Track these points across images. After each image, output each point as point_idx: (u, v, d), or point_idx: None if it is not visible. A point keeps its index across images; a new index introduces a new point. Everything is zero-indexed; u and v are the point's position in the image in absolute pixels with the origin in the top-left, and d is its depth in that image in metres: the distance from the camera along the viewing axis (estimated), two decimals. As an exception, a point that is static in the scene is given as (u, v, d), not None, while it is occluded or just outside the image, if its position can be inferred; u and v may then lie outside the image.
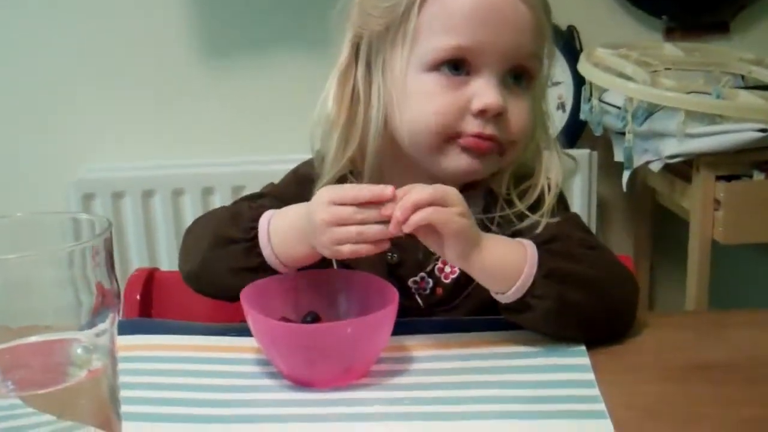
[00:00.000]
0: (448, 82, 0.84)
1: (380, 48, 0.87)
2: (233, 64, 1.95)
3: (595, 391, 0.72)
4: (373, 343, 0.76)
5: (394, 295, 0.76)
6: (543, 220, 0.87)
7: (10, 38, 1.94)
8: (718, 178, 1.61)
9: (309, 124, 0.91)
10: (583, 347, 0.81)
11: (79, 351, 0.57)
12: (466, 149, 0.85)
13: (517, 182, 0.91)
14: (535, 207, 0.88)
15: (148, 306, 1.10)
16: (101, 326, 0.57)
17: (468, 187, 0.89)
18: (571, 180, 1.85)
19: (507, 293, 0.79)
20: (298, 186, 0.94)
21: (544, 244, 0.82)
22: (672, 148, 1.61)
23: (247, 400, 0.74)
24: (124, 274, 1.46)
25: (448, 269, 0.91)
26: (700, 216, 1.63)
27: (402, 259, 0.91)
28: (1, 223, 0.59)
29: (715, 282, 1.67)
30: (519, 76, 0.86)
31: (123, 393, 0.59)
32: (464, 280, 0.83)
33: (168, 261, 1.90)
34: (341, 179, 0.90)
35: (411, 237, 0.77)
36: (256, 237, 0.84)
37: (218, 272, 0.85)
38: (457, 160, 0.86)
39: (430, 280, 0.91)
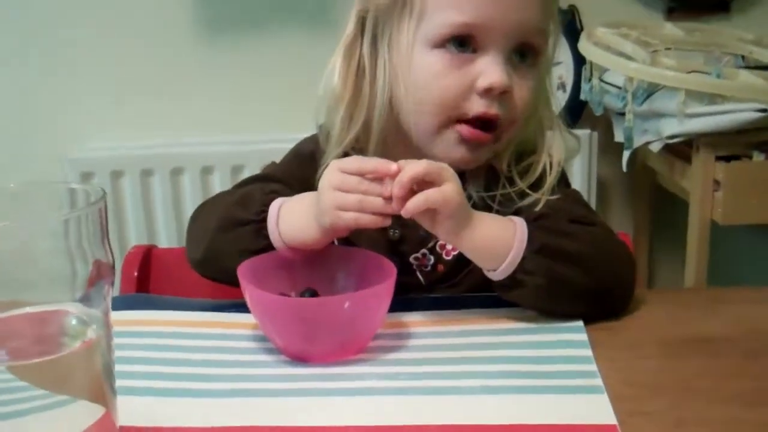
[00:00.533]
0: (453, 59, 0.83)
1: (387, 23, 0.87)
2: (233, 42, 1.95)
3: (593, 367, 0.72)
4: (371, 318, 0.76)
5: (392, 270, 0.76)
6: (543, 197, 0.86)
7: (11, 15, 1.93)
8: (718, 158, 1.61)
9: (316, 99, 0.91)
10: (581, 323, 0.80)
11: (73, 322, 0.57)
12: (463, 140, 0.84)
13: (518, 159, 0.90)
14: (536, 185, 0.88)
15: (145, 283, 1.10)
16: (96, 297, 0.57)
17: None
18: (572, 160, 1.85)
19: (498, 270, 0.79)
20: (301, 164, 0.94)
21: (536, 219, 0.82)
22: (672, 128, 1.61)
23: (242, 375, 0.74)
24: (122, 253, 1.46)
25: (449, 246, 0.91)
26: (700, 196, 1.63)
27: (403, 235, 0.90)
28: (-4, 193, 0.59)
29: (713, 262, 1.67)
30: (524, 53, 0.85)
31: (118, 367, 0.59)
32: (465, 257, 0.83)
33: (167, 240, 1.90)
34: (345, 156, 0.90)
35: None
36: (265, 220, 0.83)
37: (226, 254, 0.83)
38: (453, 148, 0.85)
39: (432, 257, 0.91)
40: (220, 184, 1.88)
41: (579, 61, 1.84)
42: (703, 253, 1.66)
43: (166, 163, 1.89)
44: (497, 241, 0.79)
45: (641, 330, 0.81)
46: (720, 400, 0.67)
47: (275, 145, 1.77)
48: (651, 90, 1.63)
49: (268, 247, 0.83)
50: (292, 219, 0.83)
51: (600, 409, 0.65)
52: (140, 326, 0.84)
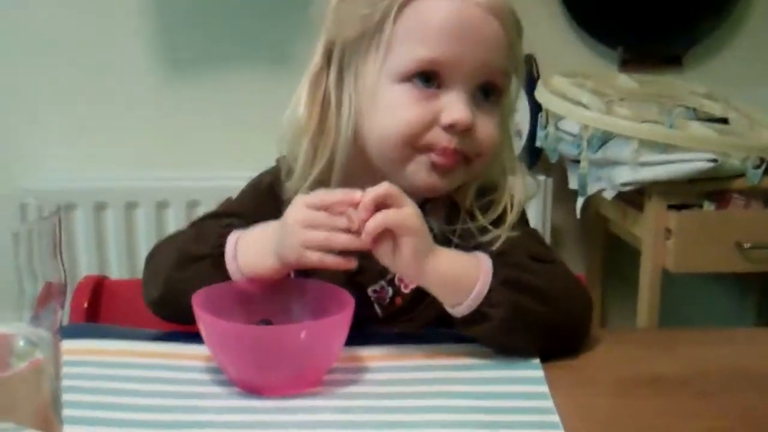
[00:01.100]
0: (418, 94, 0.84)
1: (353, 55, 0.87)
2: (191, 78, 1.94)
3: (549, 403, 0.72)
4: (327, 349, 0.75)
5: (349, 301, 0.75)
6: (503, 233, 0.86)
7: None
8: (670, 207, 1.64)
9: (279, 130, 0.90)
10: (538, 361, 0.80)
11: (21, 343, 0.55)
12: (432, 165, 0.85)
13: (479, 196, 0.91)
14: (497, 222, 0.88)
15: (95, 315, 1.07)
16: (46, 318, 0.55)
17: (430, 197, 0.89)
18: (529, 202, 1.86)
19: (463, 304, 0.79)
20: (259, 197, 0.93)
21: (499, 255, 0.82)
22: (625, 176, 1.63)
23: (194, 407, 0.72)
24: (72, 287, 1.43)
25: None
26: (652, 244, 1.65)
27: (362, 266, 0.89)
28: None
29: (664, 308, 1.69)
30: (488, 91, 0.86)
31: (66, 397, 0.58)
32: (423, 290, 0.83)
33: (118, 275, 1.87)
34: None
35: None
36: (222, 254, 0.82)
37: (184, 292, 0.80)
38: (421, 175, 0.86)
39: (390, 289, 0.91)
40: (174, 219, 1.87)
41: (535, 108, 1.86)
42: (655, 301, 1.68)
43: (120, 196, 1.87)
44: (463, 272, 0.79)
45: (597, 368, 0.81)
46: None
47: (230, 182, 1.75)
48: (605, 138, 1.66)
49: (228, 280, 0.82)
50: (250, 251, 0.82)
51: (556, 444, 0.65)
52: (89, 355, 0.81)
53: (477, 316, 0.79)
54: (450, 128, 0.83)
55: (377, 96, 0.85)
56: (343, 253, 0.77)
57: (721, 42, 2.05)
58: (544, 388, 0.75)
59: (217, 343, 0.75)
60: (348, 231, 0.76)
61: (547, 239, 1.93)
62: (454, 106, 0.83)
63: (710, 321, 2.10)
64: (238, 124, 1.92)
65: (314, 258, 0.77)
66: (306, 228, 0.77)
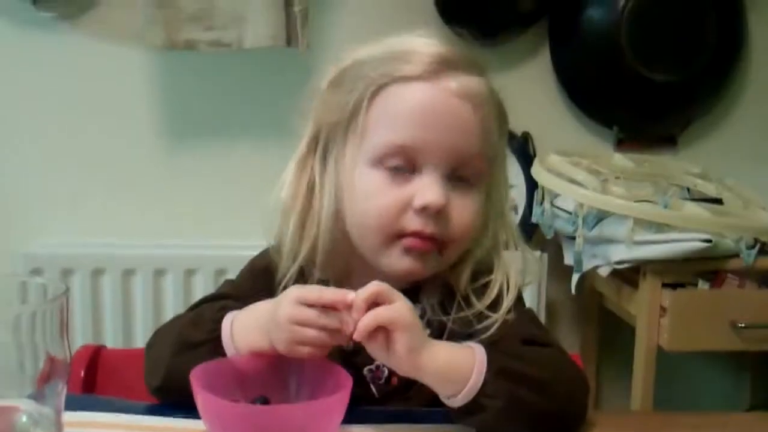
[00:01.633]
0: (392, 178, 0.86)
1: (335, 140, 0.90)
2: (193, 148, 1.97)
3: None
4: (324, 429, 0.75)
5: (347, 380, 0.76)
6: (499, 318, 0.87)
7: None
8: (665, 285, 1.64)
9: (266, 215, 0.93)
10: (534, 443, 0.80)
11: (23, 419, 0.55)
12: (407, 250, 0.86)
13: (474, 278, 0.91)
14: (493, 305, 0.89)
15: (92, 384, 1.07)
16: (49, 395, 0.56)
17: (425, 280, 0.90)
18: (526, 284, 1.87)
19: (459, 395, 0.79)
20: (256, 280, 0.94)
21: (494, 342, 0.83)
22: (620, 254, 1.65)
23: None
24: (67, 353, 1.43)
25: None
26: (646, 322, 1.65)
27: (358, 346, 0.90)
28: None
29: (659, 387, 1.69)
30: (464, 176, 0.87)
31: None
32: None
33: (113, 342, 1.86)
34: (300, 272, 0.91)
35: None
36: (219, 338, 0.84)
37: (185, 379, 0.80)
38: (398, 261, 0.87)
39: (386, 369, 0.91)
40: (173, 287, 1.87)
41: (531, 185, 1.89)
42: (649, 378, 1.67)
43: (117, 264, 1.87)
44: (456, 366, 0.79)
45: (591, 452, 0.81)
46: None
47: (229, 251, 1.79)
48: (601, 216, 1.68)
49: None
50: (245, 333, 0.84)
51: None
52: (86, 428, 0.81)
53: (473, 406, 0.79)
54: (422, 211, 0.85)
55: (354, 181, 0.88)
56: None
57: (716, 122, 2.08)
58: (539, 471, 0.75)
59: (214, 421, 0.76)
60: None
61: (542, 315, 1.94)
62: (426, 190, 0.84)
63: (705, 399, 2.10)
64: (238, 194, 1.93)
65: (305, 352, 0.79)
66: (296, 325, 0.78)
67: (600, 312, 2.01)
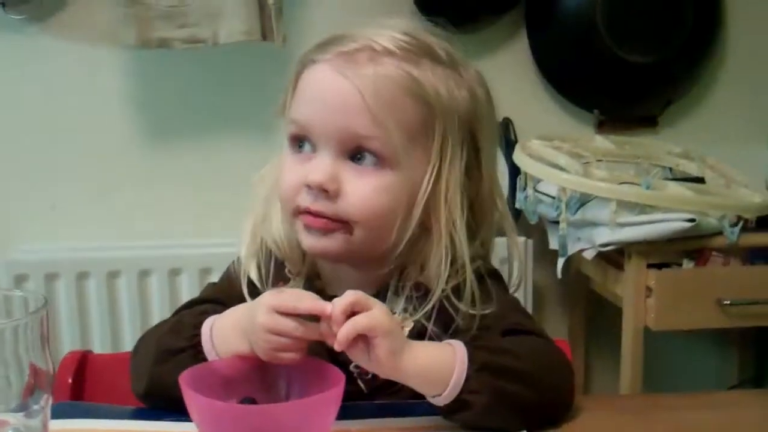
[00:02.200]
0: (296, 156, 0.88)
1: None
2: (174, 146, 1.96)
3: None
4: (318, 426, 0.75)
5: (338, 377, 0.76)
6: (477, 313, 0.86)
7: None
8: (650, 266, 1.66)
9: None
10: (523, 432, 0.81)
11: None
12: (306, 227, 0.87)
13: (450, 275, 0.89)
14: (471, 300, 0.87)
15: (80, 390, 1.07)
16: (33, 408, 0.55)
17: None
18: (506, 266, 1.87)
19: (443, 394, 0.79)
20: (234, 282, 0.94)
21: (475, 337, 0.83)
22: (604, 236, 1.65)
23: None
24: (55, 358, 1.42)
25: None
26: (633, 303, 1.67)
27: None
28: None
29: (648, 368, 1.70)
30: (361, 155, 0.86)
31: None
32: None
33: (101, 346, 1.86)
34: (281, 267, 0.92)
35: None
36: (199, 343, 0.84)
37: (168, 386, 0.81)
38: (304, 239, 0.88)
39: None
40: (157, 287, 1.87)
41: (514, 171, 1.89)
42: (638, 359, 1.69)
43: (102, 266, 1.86)
44: (439, 363, 0.79)
45: (581, 438, 0.81)
46: None
47: (213, 249, 1.79)
48: (584, 200, 1.68)
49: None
50: (225, 338, 0.84)
51: None
52: (75, 436, 0.81)
53: (458, 404, 0.79)
54: (310, 189, 0.86)
55: (281, 161, 0.91)
56: None
57: (696, 101, 2.09)
58: (529, 459, 0.76)
59: (208, 423, 0.75)
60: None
61: (529, 300, 1.95)
62: (313, 167, 0.85)
63: (693, 377, 2.12)
64: (220, 192, 1.93)
65: (286, 358, 0.79)
66: (272, 334, 0.78)
67: (587, 295, 2.02)
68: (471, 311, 0.87)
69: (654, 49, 1.98)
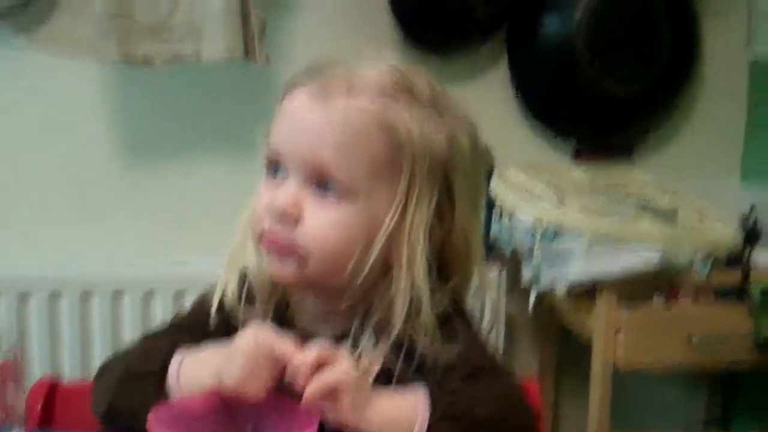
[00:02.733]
0: (270, 182, 0.89)
1: None
2: (151, 166, 1.95)
3: None
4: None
5: (309, 421, 0.76)
6: (440, 357, 0.85)
7: None
8: (621, 302, 1.66)
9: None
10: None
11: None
12: (266, 249, 0.88)
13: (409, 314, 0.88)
14: (433, 340, 0.86)
15: (49, 418, 1.06)
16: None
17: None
18: (479, 299, 1.87)
19: None
20: (205, 311, 0.94)
21: (439, 382, 0.83)
22: (577, 272, 1.66)
23: None
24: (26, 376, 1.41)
25: None
26: (603, 339, 1.67)
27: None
28: None
29: (616, 405, 1.70)
30: (326, 185, 0.86)
31: None
32: None
33: (71, 365, 1.85)
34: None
35: None
36: (166, 374, 0.85)
37: (126, 409, 0.82)
38: (264, 260, 0.89)
39: None
40: (130, 309, 1.86)
41: (489, 200, 1.89)
42: (606, 396, 1.68)
43: (75, 286, 1.85)
44: (400, 416, 0.80)
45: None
46: None
47: (189, 270, 1.77)
48: (558, 232, 1.69)
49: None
50: (192, 374, 0.84)
51: None
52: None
53: None
54: (271, 212, 0.86)
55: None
56: None
57: (672, 133, 2.11)
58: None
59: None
60: None
61: (501, 333, 1.95)
62: (280, 193, 0.86)
63: (662, 417, 2.12)
64: (197, 213, 1.93)
65: (252, 391, 0.80)
66: (250, 358, 0.79)
67: (558, 330, 2.02)
68: (430, 352, 0.86)
69: (633, 80, 2.00)
